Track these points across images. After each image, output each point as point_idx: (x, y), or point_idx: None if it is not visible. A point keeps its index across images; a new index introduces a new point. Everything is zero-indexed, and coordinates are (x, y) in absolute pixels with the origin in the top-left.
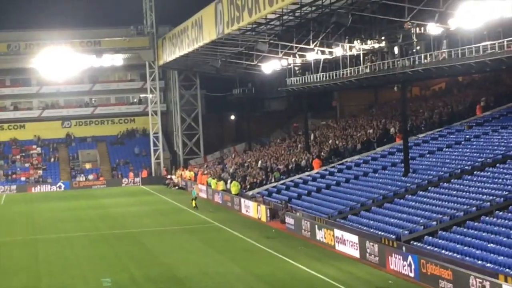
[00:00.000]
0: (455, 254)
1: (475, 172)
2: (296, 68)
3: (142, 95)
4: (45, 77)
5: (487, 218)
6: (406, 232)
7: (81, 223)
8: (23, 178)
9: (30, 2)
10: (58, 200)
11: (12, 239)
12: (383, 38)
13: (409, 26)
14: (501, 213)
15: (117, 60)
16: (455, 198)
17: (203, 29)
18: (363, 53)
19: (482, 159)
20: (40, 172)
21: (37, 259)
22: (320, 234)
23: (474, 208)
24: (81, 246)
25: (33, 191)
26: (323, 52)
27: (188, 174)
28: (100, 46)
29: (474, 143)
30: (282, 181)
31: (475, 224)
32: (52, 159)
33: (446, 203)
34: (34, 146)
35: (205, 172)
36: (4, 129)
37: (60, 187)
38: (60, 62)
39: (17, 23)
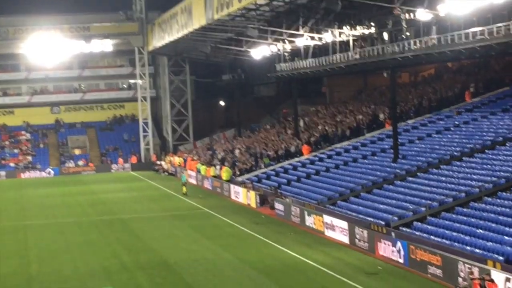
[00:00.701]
0: (444, 240)
1: (464, 158)
2: (286, 54)
3: (131, 81)
4: (34, 63)
5: (476, 204)
6: (395, 218)
7: (70, 209)
8: (12, 164)
9: None
10: (48, 186)
11: (1, 225)
12: (372, 24)
13: (398, 12)
14: (490, 199)
15: (106, 45)
16: (444, 184)
17: (193, 15)
18: (352, 39)
19: (471, 145)
20: (29, 158)
21: (26, 245)
22: (309, 220)
23: (463, 194)
24: (70, 232)
25: (22, 177)
26: (312, 38)
27: (177, 160)
28: (89, 31)
29: (463, 129)
30: (271, 167)
31: (464, 210)
32: (42, 145)
33: (435, 189)
34: (23, 132)
35: (195, 158)
36: None
37: (49, 173)
38: (49, 47)
39: (6, 8)
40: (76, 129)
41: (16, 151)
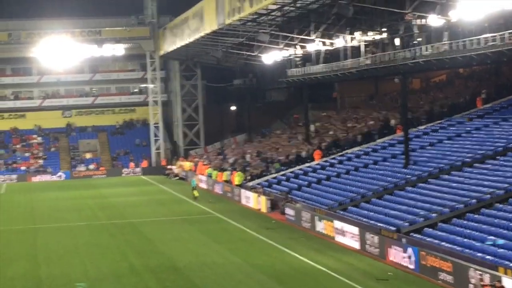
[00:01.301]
0: (455, 246)
1: (475, 164)
2: (297, 59)
3: (142, 85)
4: (46, 67)
5: (487, 210)
6: (406, 224)
7: (81, 213)
8: (23, 168)
9: None
10: (58, 190)
11: (11, 228)
12: (384, 29)
13: (410, 18)
14: (501, 205)
15: (118, 50)
16: (455, 190)
17: (204, 20)
18: (364, 45)
19: (482, 152)
20: (40, 161)
21: (36, 248)
22: (320, 226)
23: (474, 200)
24: (80, 236)
25: (34, 181)
26: (324, 43)
27: (188, 164)
28: (100, 35)
29: (475, 135)
30: (282, 172)
31: (475, 216)
32: (53, 149)
33: (446, 195)
34: (35, 136)
35: (205, 162)
36: (4, 118)
37: (60, 176)
38: (61, 51)
39: (18, 12)
40: (87, 133)
41: (27, 154)
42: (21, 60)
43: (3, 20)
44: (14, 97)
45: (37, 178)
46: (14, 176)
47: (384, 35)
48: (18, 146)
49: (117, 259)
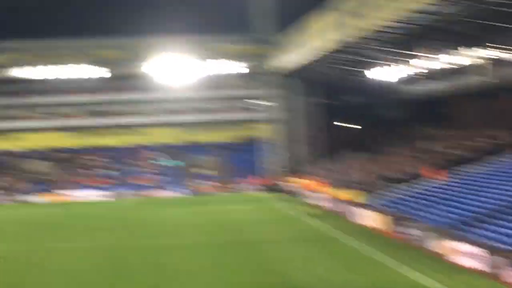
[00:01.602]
0: None
1: None
2: (413, 76)
3: (260, 103)
4: (162, 83)
5: None
6: None
7: (198, 229)
8: (142, 183)
9: (144, 8)
10: (176, 206)
11: (128, 244)
12: (507, 46)
13: None
14: None
15: (235, 67)
16: None
17: (322, 37)
18: (483, 61)
19: None
20: (159, 177)
21: (156, 265)
22: (441, 246)
23: None
24: (199, 253)
25: (152, 196)
26: (444, 60)
27: (305, 182)
28: (217, 53)
29: None
30: (401, 191)
31: None
32: (171, 165)
33: None
34: (153, 152)
35: (322, 180)
36: (123, 135)
37: (179, 193)
38: (176, 68)
39: (131, 29)
40: (205, 149)
41: (146, 170)
42: (137, 77)
43: (116, 38)
44: (131, 113)
45: (156, 194)
46: (133, 192)
47: (507, 52)
48: (137, 162)
49: (233, 277)
